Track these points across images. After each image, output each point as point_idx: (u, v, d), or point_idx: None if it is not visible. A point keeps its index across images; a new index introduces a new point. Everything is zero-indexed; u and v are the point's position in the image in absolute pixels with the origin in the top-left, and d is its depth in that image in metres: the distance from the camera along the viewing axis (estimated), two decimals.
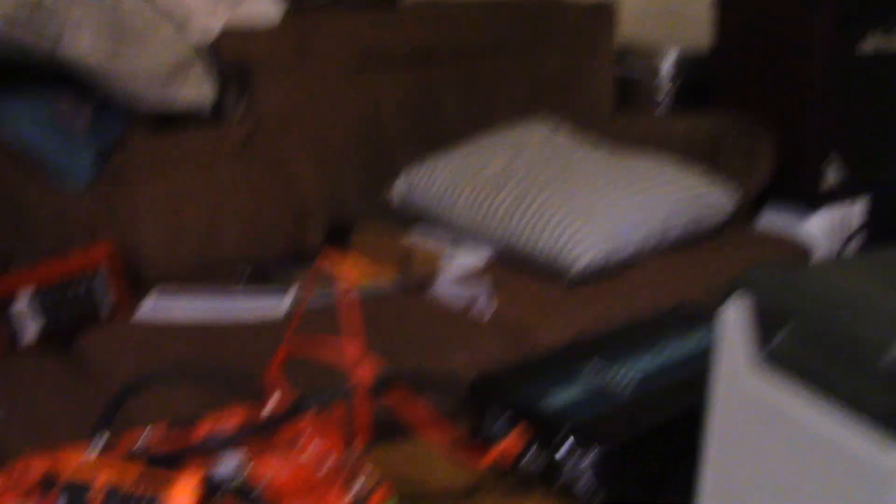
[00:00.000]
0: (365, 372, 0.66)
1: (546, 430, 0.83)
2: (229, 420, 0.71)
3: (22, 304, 1.35)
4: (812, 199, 2.03)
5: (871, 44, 2.02)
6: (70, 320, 1.39)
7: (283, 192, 1.68)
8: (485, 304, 1.45)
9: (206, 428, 0.71)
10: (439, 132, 2.00)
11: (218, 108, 1.77)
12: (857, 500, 0.56)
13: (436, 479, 0.84)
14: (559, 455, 0.81)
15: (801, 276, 0.62)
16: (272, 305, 1.43)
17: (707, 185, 1.71)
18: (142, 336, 1.33)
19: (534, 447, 0.83)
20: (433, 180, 1.79)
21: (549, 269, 1.55)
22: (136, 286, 1.53)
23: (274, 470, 0.67)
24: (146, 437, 0.69)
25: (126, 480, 0.55)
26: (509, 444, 0.83)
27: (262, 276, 1.54)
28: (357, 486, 0.62)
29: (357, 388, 0.65)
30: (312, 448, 0.70)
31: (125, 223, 1.54)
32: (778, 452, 0.63)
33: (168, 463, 0.65)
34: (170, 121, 1.69)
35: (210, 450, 0.66)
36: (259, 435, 0.67)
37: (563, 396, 0.86)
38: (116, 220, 1.55)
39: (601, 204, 1.55)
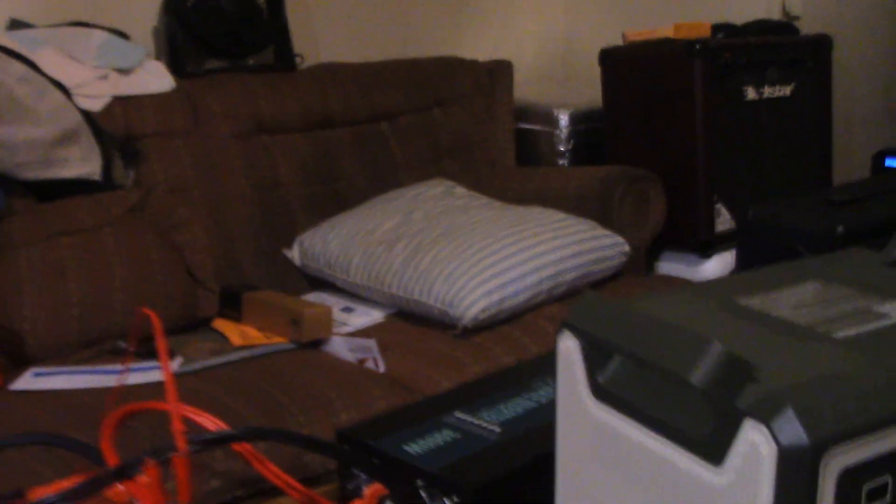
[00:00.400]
0: (180, 438, 0.64)
1: (407, 478, 0.82)
2: (60, 487, 0.69)
3: None
4: (704, 245, 2.08)
5: (752, 92, 2.11)
6: None
7: (173, 261, 1.65)
8: (376, 361, 1.44)
9: (36, 495, 0.68)
10: (337, 195, 2.01)
11: (108, 178, 1.74)
12: None
13: None
14: (420, 501, 0.80)
15: (621, 309, 0.63)
16: (157, 371, 1.39)
17: (599, 234, 1.74)
18: (14, 406, 1.28)
19: (398, 497, 0.82)
20: (327, 243, 1.79)
21: (441, 322, 1.55)
22: (16, 359, 1.48)
23: None
24: None
25: None
26: (373, 494, 0.81)
27: (151, 348, 1.50)
28: None
29: (176, 451, 0.63)
30: None
31: (4, 296, 1.49)
32: (618, 474, 0.63)
33: None
34: (56, 190, 1.66)
35: None
36: (79, 498, 0.64)
37: (425, 445, 0.86)
38: None
39: (491, 257, 1.56)
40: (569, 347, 0.67)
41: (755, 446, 0.52)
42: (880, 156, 2.53)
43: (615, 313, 0.63)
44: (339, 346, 1.47)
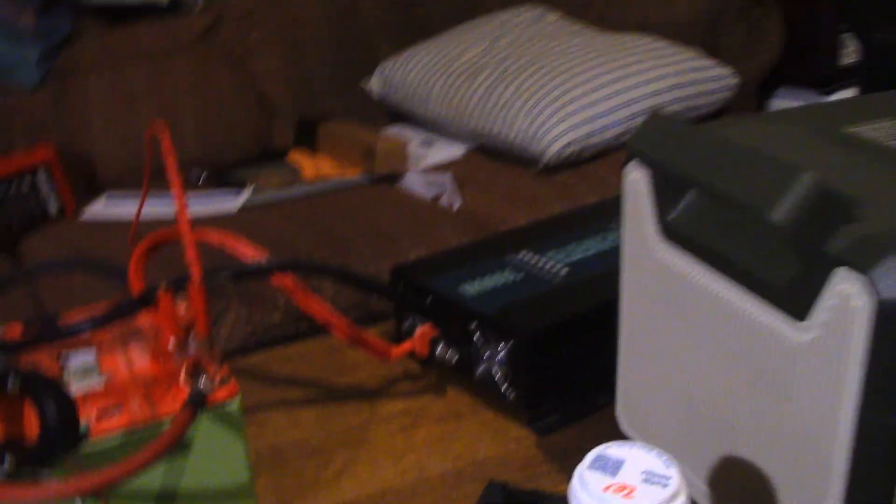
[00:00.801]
0: (195, 267, 0.58)
1: (462, 320, 0.75)
2: (83, 314, 0.65)
3: None
4: (826, 80, 1.88)
5: None
6: (14, 220, 1.34)
7: (245, 89, 1.59)
8: (451, 197, 1.37)
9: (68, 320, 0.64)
10: (421, 22, 1.88)
11: (176, 2, 1.67)
12: (769, 369, 0.48)
13: (348, 375, 0.78)
14: (474, 346, 0.74)
15: (698, 133, 0.52)
16: (226, 202, 1.36)
17: (703, 64, 1.58)
18: (83, 235, 1.27)
19: (450, 338, 0.75)
20: (407, 73, 1.69)
21: (522, 158, 1.45)
22: (88, 188, 1.47)
23: (118, 363, 0.60)
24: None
25: None
26: (423, 335, 0.75)
27: (221, 178, 1.47)
28: (200, 382, 0.56)
29: (194, 279, 0.58)
30: (160, 342, 0.64)
31: (75, 123, 1.47)
32: (686, 325, 0.54)
33: (13, 349, 0.59)
34: (124, 15, 1.60)
35: (54, 339, 0.60)
36: (103, 325, 0.60)
37: (483, 286, 0.78)
38: (66, 120, 1.48)
39: (579, 88, 1.43)
40: (635, 178, 0.57)
41: (847, 299, 0.42)
42: None
43: (690, 137, 0.52)
44: (414, 181, 1.40)
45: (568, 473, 0.64)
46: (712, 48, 1.70)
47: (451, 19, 1.87)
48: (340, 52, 1.80)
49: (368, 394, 0.75)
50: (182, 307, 0.64)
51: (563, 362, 0.72)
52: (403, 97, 1.69)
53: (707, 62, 1.59)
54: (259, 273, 0.65)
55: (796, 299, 0.45)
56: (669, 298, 0.56)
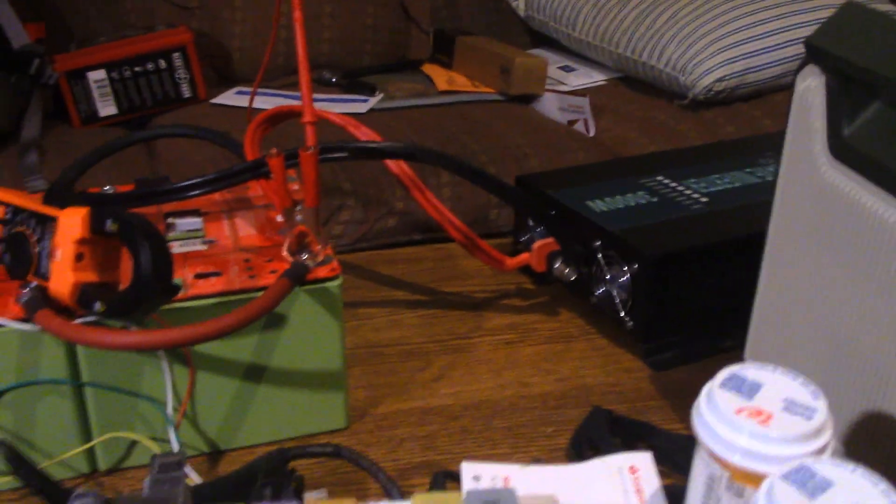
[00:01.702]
0: (310, 135, 0.54)
1: (586, 237, 0.69)
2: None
3: (98, 75, 1.31)
4: None
5: None
6: (147, 98, 1.35)
7: None
8: (587, 123, 1.29)
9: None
10: None
11: None
12: None
13: (457, 283, 0.74)
14: (596, 265, 0.68)
15: (890, 35, 0.44)
16: (356, 104, 1.33)
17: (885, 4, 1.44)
18: (214, 118, 1.27)
19: (571, 255, 0.70)
20: None
21: (668, 90, 1.36)
22: (222, 81, 1.47)
23: (225, 231, 0.58)
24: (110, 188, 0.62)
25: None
26: (542, 249, 0.70)
27: (353, 82, 1.44)
28: (302, 257, 0.52)
29: (307, 147, 0.54)
30: (267, 212, 0.61)
31: (217, 11, 1.46)
32: (850, 260, 0.47)
33: (121, 201, 0.58)
34: None
35: (162, 197, 0.58)
36: (212, 188, 0.58)
37: (613, 204, 0.72)
38: (209, 8, 1.47)
39: (739, 21, 1.32)
40: (809, 87, 0.50)
41: None
42: None
43: (887, 33, 0.44)
44: (550, 104, 1.34)
45: (680, 413, 0.58)
46: None
47: None
48: None
49: (476, 304, 0.70)
50: (295, 183, 0.61)
51: (691, 295, 0.66)
52: (550, 17, 1.61)
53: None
54: (376, 153, 0.61)
55: None
56: (832, 228, 0.49)
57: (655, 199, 0.73)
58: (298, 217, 0.56)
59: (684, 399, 0.60)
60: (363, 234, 1.11)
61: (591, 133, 1.28)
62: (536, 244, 0.70)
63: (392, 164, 0.67)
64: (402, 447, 0.54)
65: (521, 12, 1.70)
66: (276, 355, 0.52)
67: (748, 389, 0.34)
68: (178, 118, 1.31)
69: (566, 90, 1.44)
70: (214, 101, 1.36)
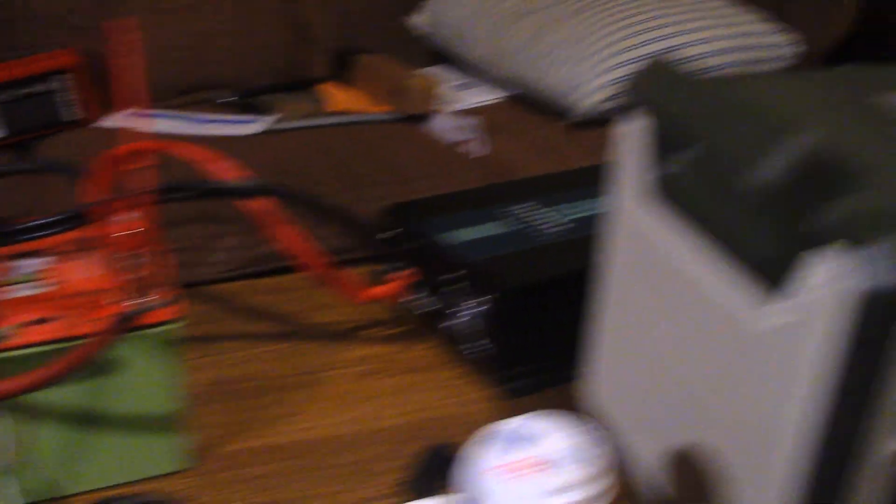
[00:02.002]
0: (150, 179, 0.54)
1: (443, 267, 0.70)
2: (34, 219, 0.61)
3: None
4: None
5: None
6: (31, 123, 1.32)
7: (283, 14, 1.54)
8: (478, 143, 1.31)
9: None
10: None
11: None
12: (729, 357, 0.42)
13: (320, 314, 0.74)
14: (453, 296, 0.69)
15: (702, 86, 0.46)
16: (245, 126, 1.32)
17: (762, 28, 1.48)
18: (99, 142, 1.24)
19: (429, 286, 0.71)
20: (456, 10, 1.61)
21: (559, 109, 1.38)
22: (111, 101, 1.44)
23: (72, 273, 0.57)
24: None
25: None
26: (401, 280, 0.71)
27: (247, 103, 1.42)
28: (140, 301, 0.52)
29: (146, 191, 0.54)
30: (110, 254, 0.60)
31: (104, 33, 1.44)
32: (656, 294, 0.49)
33: None
34: None
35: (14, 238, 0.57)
36: (48, 232, 0.56)
37: (475, 233, 0.73)
38: (96, 29, 1.45)
39: (630, 40, 1.35)
40: (629, 129, 0.52)
41: (826, 279, 0.36)
42: None
43: (690, 87, 0.46)
44: (442, 124, 1.35)
45: None
46: (780, 11, 1.59)
47: None
48: None
49: (336, 336, 0.71)
50: (136, 222, 0.60)
51: (545, 324, 0.67)
52: (448, 36, 1.62)
53: (768, 27, 1.50)
54: (224, 193, 0.61)
55: (772, 275, 0.39)
56: (642, 266, 0.50)
57: (521, 227, 0.74)
58: (140, 259, 0.56)
59: None
60: (247, 261, 1.11)
61: (482, 153, 1.30)
62: (396, 275, 0.71)
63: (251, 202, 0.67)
64: (245, 487, 0.54)
65: (422, 30, 1.71)
66: (111, 399, 0.52)
67: (516, 442, 0.35)
68: (59, 142, 1.28)
69: (459, 109, 1.45)
70: (104, 123, 1.34)
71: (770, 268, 0.39)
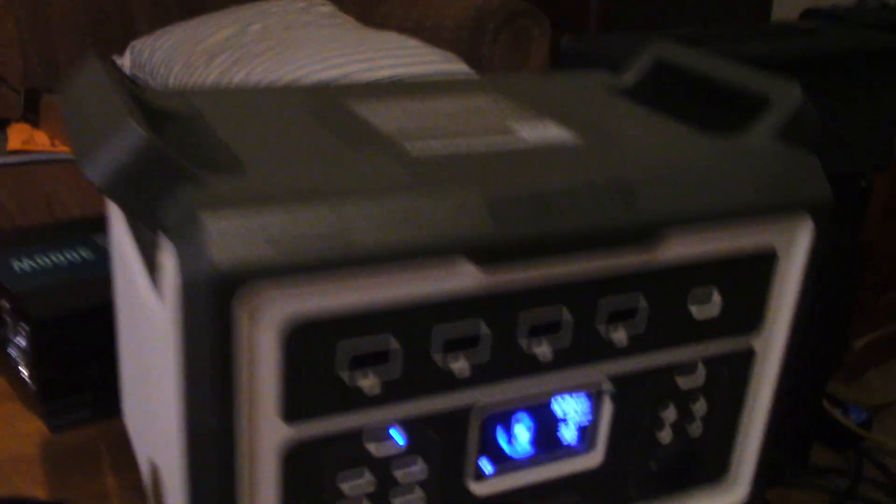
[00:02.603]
0: None
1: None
2: None
3: None
4: None
5: None
6: None
7: None
8: None
9: None
10: (189, 2, 1.79)
11: None
12: (150, 352, 0.42)
13: None
14: (4, 327, 0.65)
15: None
16: None
17: (451, 69, 1.55)
18: None
19: None
20: (154, 51, 1.59)
21: None
22: None
23: None
24: None
25: None
26: None
27: None
28: None
29: None
30: None
31: None
32: (129, 323, 0.48)
33: None
34: None
35: None
36: None
37: (47, 261, 0.70)
38: None
39: (309, 78, 1.37)
40: None
41: (167, 270, 0.37)
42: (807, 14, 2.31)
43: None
44: None
45: (83, 475, 0.56)
46: (475, 57, 1.67)
47: (227, 2, 1.79)
48: (94, 25, 1.68)
49: None
50: None
51: (96, 354, 0.65)
52: (148, 77, 1.59)
53: (458, 67, 1.56)
54: None
55: (151, 272, 0.39)
56: (119, 282, 0.49)
57: (95, 256, 0.72)
58: None
59: (87, 459, 0.58)
60: None
61: None
62: None
63: None
64: None
65: (127, 70, 1.67)
66: None
67: None
68: None
69: None
70: None
71: (148, 258, 0.39)
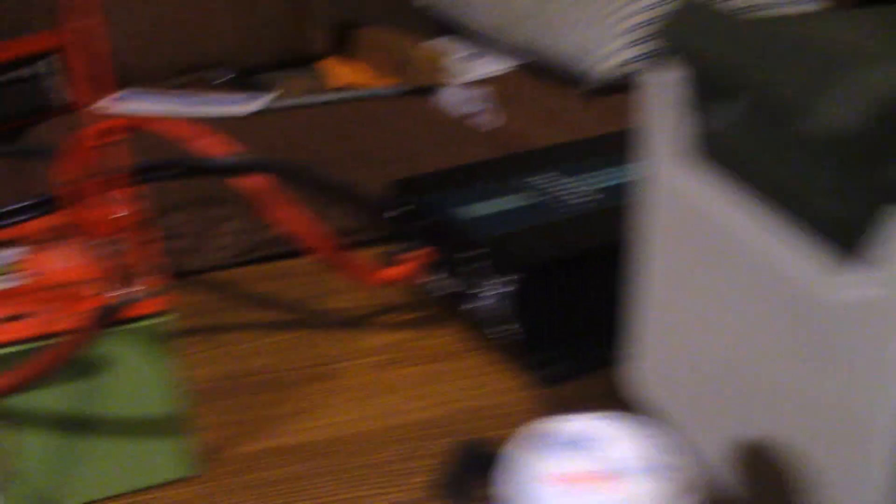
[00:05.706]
0: (126, 158, 0.48)
1: (462, 245, 0.64)
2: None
3: None
4: None
5: None
6: (18, 110, 1.26)
7: None
8: (488, 115, 1.24)
9: None
10: None
11: None
12: (801, 335, 0.36)
13: (331, 300, 0.68)
14: (474, 276, 0.63)
15: (739, 25, 0.39)
16: (240, 107, 1.26)
17: None
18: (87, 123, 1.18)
19: (448, 266, 0.65)
20: None
21: (572, 77, 1.31)
22: (108, 82, 1.38)
23: (50, 265, 0.51)
24: None
25: None
26: (416, 261, 0.65)
27: (244, 81, 1.36)
28: (127, 291, 0.46)
29: (124, 171, 0.48)
30: (90, 241, 0.54)
31: (93, 13, 1.37)
32: (708, 265, 0.43)
33: None
34: None
35: None
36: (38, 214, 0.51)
37: (493, 208, 0.67)
38: (83, 8, 1.38)
39: (639, 3, 1.28)
40: (657, 84, 0.45)
41: None
42: None
43: (735, 31, 0.40)
44: (450, 96, 1.28)
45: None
46: None
47: None
48: None
49: (348, 323, 0.65)
50: (117, 206, 0.54)
51: (579, 302, 0.61)
52: (452, 6, 1.55)
53: None
54: (206, 171, 0.55)
55: (842, 242, 0.33)
56: (689, 235, 0.44)
57: (543, 199, 0.68)
58: (123, 246, 0.50)
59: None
60: (252, 245, 1.05)
61: (494, 126, 1.23)
62: (411, 255, 0.65)
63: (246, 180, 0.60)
64: (258, 494, 0.48)
65: (424, 2, 1.64)
66: (101, 401, 0.46)
67: (574, 447, 0.29)
68: (56, 127, 1.22)
69: (467, 81, 1.38)
70: (96, 107, 1.27)
71: (842, 230, 0.33)
